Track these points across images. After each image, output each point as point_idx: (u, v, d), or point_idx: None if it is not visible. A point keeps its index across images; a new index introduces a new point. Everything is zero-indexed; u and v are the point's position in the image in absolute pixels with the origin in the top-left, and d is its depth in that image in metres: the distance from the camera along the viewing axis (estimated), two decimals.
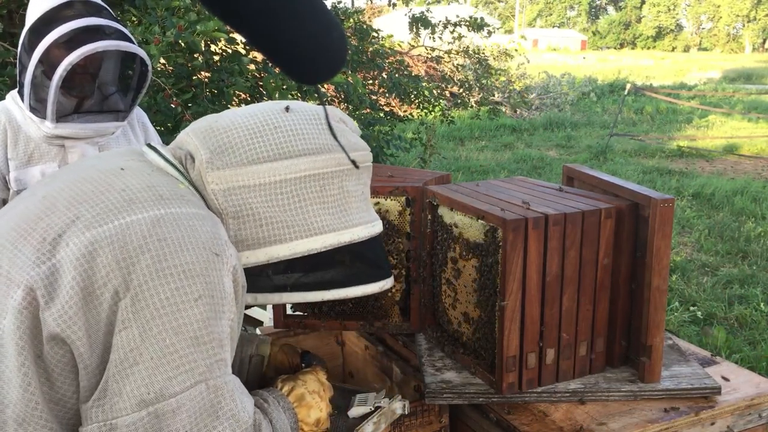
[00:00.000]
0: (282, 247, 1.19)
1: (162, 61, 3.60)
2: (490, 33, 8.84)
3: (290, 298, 1.24)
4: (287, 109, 1.24)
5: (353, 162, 1.24)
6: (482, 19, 8.69)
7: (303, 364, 1.55)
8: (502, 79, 10.47)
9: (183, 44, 3.57)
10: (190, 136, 1.22)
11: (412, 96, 7.64)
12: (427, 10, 8.56)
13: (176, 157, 1.22)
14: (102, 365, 1.02)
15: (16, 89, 2.17)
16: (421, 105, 8.18)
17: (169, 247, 1.03)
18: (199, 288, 1.03)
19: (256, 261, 1.18)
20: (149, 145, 1.27)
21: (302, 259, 1.20)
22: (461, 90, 9.87)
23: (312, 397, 1.37)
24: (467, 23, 8.57)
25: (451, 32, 8.83)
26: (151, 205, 1.08)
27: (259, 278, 1.21)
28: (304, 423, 1.35)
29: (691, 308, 5.16)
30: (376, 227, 1.29)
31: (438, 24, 8.58)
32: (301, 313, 1.93)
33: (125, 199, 1.09)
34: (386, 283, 1.32)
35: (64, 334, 1.00)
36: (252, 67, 4.46)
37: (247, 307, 1.25)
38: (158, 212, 1.07)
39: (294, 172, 1.19)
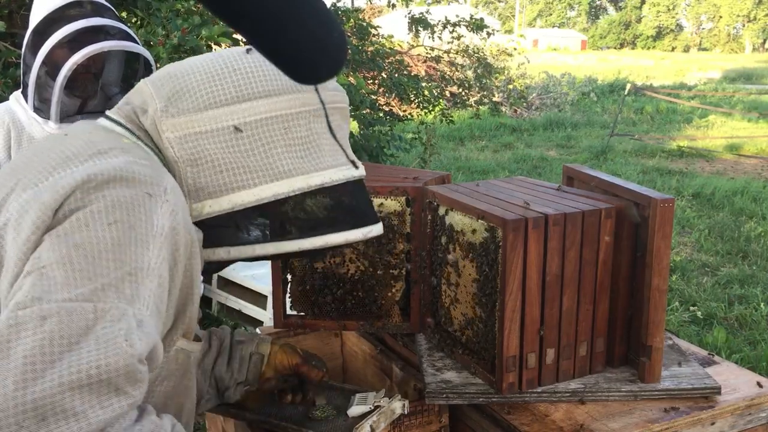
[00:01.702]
0: (246, 193, 1.12)
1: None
2: (489, 34, 8.85)
3: (264, 249, 1.16)
4: (248, 50, 1.17)
5: (322, 102, 1.17)
6: (482, 19, 8.69)
7: (314, 365, 1.57)
8: (502, 78, 10.48)
9: (187, 47, 3.57)
10: (146, 84, 1.17)
11: (412, 96, 7.64)
12: (427, 11, 8.57)
13: (124, 115, 1.17)
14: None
15: (20, 90, 2.18)
16: (420, 105, 8.18)
17: (99, 185, 0.98)
18: (118, 216, 0.95)
19: (220, 209, 1.12)
20: (104, 114, 1.22)
21: (272, 206, 1.14)
22: (461, 90, 9.88)
23: None
24: (467, 23, 8.57)
25: (451, 32, 8.84)
26: (87, 159, 1.03)
27: (229, 230, 1.14)
28: None
29: (691, 308, 5.16)
30: (352, 171, 1.21)
31: (437, 24, 8.59)
32: (301, 313, 1.93)
33: (62, 158, 1.04)
34: (371, 230, 1.22)
35: None
36: None
37: (222, 263, 1.18)
38: (93, 162, 1.02)
39: (254, 114, 1.12)
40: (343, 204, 1.19)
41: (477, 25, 8.49)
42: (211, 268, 1.22)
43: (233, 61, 1.15)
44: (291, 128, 1.14)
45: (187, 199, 1.13)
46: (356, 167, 1.22)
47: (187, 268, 1.08)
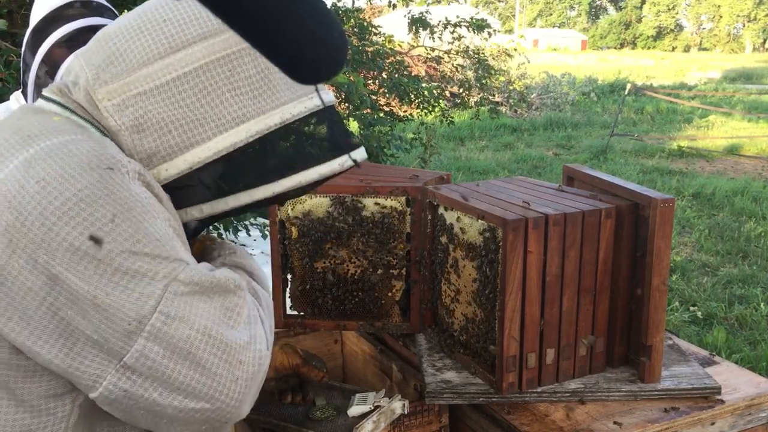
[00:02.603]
0: (201, 149, 1.03)
1: None
2: (490, 34, 8.83)
3: (237, 200, 1.08)
4: None
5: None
6: (483, 20, 8.67)
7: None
8: (502, 79, 10.48)
9: None
10: (77, 56, 1.07)
11: (412, 96, 7.64)
12: (427, 11, 8.55)
13: (58, 90, 1.08)
14: (55, 332, 0.92)
15: (20, 90, 2.18)
16: (420, 105, 8.18)
17: (51, 185, 0.91)
18: (109, 208, 0.91)
19: (178, 171, 1.04)
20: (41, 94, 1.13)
21: (234, 154, 1.05)
22: (461, 90, 9.88)
23: None
24: (468, 24, 8.55)
25: (452, 32, 8.82)
26: (19, 149, 0.96)
27: (196, 188, 1.07)
28: None
29: (691, 308, 5.16)
30: (315, 100, 1.09)
31: (438, 24, 8.57)
32: (301, 313, 1.93)
33: None
34: (346, 160, 1.12)
35: None
36: None
37: (201, 223, 1.13)
38: (27, 154, 0.94)
39: (190, 62, 1.02)
40: (311, 137, 1.10)
41: (478, 26, 8.47)
42: (190, 231, 1.14)
43: (162, 11, 1.04)
44: (235, 69, 1.03)
45: None
46: (319, 95, 1.11)
47: (175, 229, 1.02)
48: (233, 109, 1.04)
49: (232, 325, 0.98)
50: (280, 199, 1.14)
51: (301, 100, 1.08)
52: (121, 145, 1.04)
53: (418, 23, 8.36)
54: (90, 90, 1.03)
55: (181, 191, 1.07)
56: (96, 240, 0.91)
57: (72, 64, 1.09)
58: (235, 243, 1.22)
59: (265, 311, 1.10)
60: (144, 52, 1.02)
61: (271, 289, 1.21)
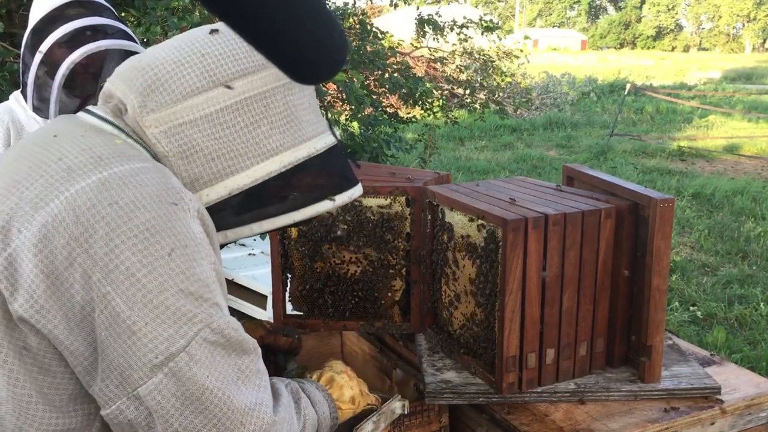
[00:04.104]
0: (241, 177, 1.13)
1: None
2: (500, 37, 8.80)
3: (261, 227, 1.19)
4: (213, 31, 1.16)
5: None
6: (492, 21, 8.64)
7: (284, 335, 1.56)
8: (508, 80, 10.45)
9: None
10: (115, 83, 1.15)
11: (416, 96, 7.60)
12: (437, 13, 8.48)
13: (111, 111, 1.16)
14: (90, 347, 0.98)
15: (20, 89, 2.18)
16: (423, 106, 8.15)
17: (123, 210, 0.99)
18: (169, 242, 0.99)
19: (218, 196, 1.13)
20: (85, 109, 1.20)
21: (263, 184, 1.15)
22: (466, 91, 9.85)
23: (341, 377, 1.39)
24: (476, 25, 8.50)
25: (458, 34, 8.79)
26: (92, 170, 1.03)
27: (224, 213, 1.15)
28: (340, 402, 1.36)
29: (691, 308, 5.16)
30: (330, 137, 1.23)
31: (445, 25, 8.52)
32: (301, 313, 1.93)
33: (64, 169, 1.03)
34: (354, 192, 1.26)
35: (39, 324, 0.97)
36: None
37: (221, 246, 1.22)
38: (101, 175, 1.02)
39: (233, 96, 1.12)
40: (327, 171, 1.21)
41: (488, 28, 8.43)
42: None
43: (200, 46, 1.14)
44: (270, 105, 1.14)
45: None
46: (333, 133, 1.24)
47: (217, 272, 1.09)
48: (269, 141, 1.14)
49: (239, 385, 1.04)
50: (295, 225, 1.26)
51: (322, 137, 1.21)
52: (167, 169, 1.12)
53: (428, 24, 8.31)
54: (137, 116, 1.10)
55: (214, 216, 1.14)
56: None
57: (113, 89, 1.15)
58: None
59: (299, 416, 1.19)
60: (187, 84, 1.10)
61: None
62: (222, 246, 1.20)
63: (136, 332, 0.96)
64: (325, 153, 1.21)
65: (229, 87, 1.12)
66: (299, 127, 1.18)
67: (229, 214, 1.15)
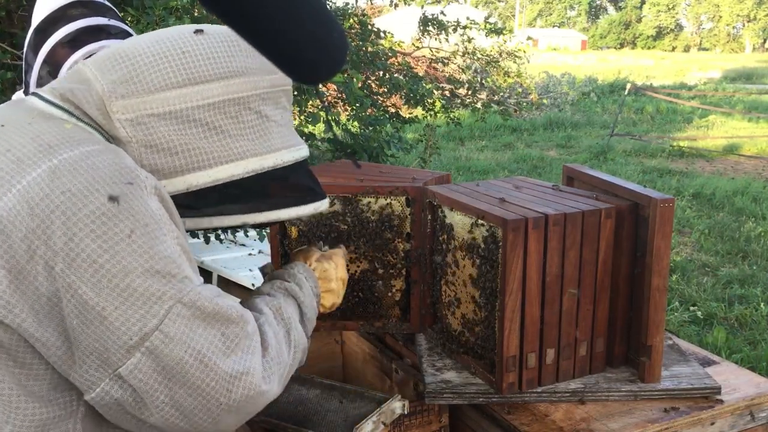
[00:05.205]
0: (201, 175, 1.14)
1: None
2: (505, 40, 8.79)
3: (220, 222, 1.20)
4: (198, 31, 1.17)
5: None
6: (497, 24, 8.63)
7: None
8: (511, 80, 10.43)
9: None
10: (87, 66, 1.14)
11: (418, 97, 7.59)
12: (441, 12, 8.47)
13: (59, 95, 1.14)
14: (62, 336, 0.98)
15: (22, 90, 2.18)
16: (425, 107, 8.14)
17: (76, 197, 0.97)
18: (128, 224, 0.98)
19: (175, 190, 1.13)
20: (33, 93, 1.20)
21: (227, 185, 1.16)
22: (468, 92, 9.83)
23: (337, 283, 1.42)
24: (481, 27, 8.49)
25: (462, 35, 8.77)
26: (41, 158, 1.01)
27: (185, 204, 1.16)
28: (321, 306, 1.40)
29: (691, 308, 5.16)
30: (302, 151, 1.25)
31: (449, 25, 8.51)
32: None
33: (13, 161, 1.01)
34: (320, 205, 1.28)
35: (7, 319, 0.97)
36: None
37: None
38: (50, 163, 1.00)
39: (206, 97, 1.13)
40: (293, 183, 1.23)
41: (493, 29, 8.41)
42: None
43: (182, 43, 1.14)
44: (242, 111, 1.16)
45: None
46: (302, 148, 1.26)
47: (182, 246, 1.08)
48: (236, 145, 1.16)
49: (227, 353, 1.04)
50: (253, 227, 1.23)
51: (291, 150, 1.23)
52: (128, 153, 1.10)
53: (433, 23, 8.29)
54: (105, 100, 1.10)
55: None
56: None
57: (80, 70, 1.14)
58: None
59: (289, 347, 1.19)
60: (162, 78, 1.11)
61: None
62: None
63: (107, 317, 0.96)
64: (294, 165, 1.23)
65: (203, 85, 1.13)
66: (269, 137, 1.20)
67: (188, 206, 1.16)
